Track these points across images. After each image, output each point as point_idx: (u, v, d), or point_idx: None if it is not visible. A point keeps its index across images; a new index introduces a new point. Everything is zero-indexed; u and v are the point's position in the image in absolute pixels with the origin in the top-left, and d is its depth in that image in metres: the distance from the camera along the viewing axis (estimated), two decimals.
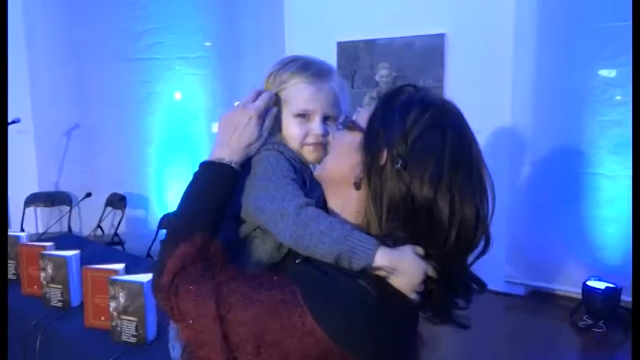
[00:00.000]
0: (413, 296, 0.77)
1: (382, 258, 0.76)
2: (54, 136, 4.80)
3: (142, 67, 4.80)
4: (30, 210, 4.60)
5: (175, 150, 4.86)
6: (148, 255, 4.02)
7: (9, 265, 2.30)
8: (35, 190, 4.66)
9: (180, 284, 0.80)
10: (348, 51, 4.63)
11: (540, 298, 4.02)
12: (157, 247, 4.09)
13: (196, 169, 0.93)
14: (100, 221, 4.25)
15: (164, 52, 4.79)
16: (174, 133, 4.87)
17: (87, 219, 4.74)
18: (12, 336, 1.99)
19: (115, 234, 4.44)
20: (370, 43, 4.53)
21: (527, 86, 3.89)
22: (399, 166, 0.76)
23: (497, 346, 3.39)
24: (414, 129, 0.78)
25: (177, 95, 4.95)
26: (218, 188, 0.89)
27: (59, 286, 2.02)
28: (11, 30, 4.28)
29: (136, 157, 4.86)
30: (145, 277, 1.71)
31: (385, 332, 0.76)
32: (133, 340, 1.71)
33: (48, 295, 2.03)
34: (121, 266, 1.87)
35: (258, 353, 0.73)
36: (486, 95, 3.98)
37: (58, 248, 2.19)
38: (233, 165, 0.90)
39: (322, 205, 0.91)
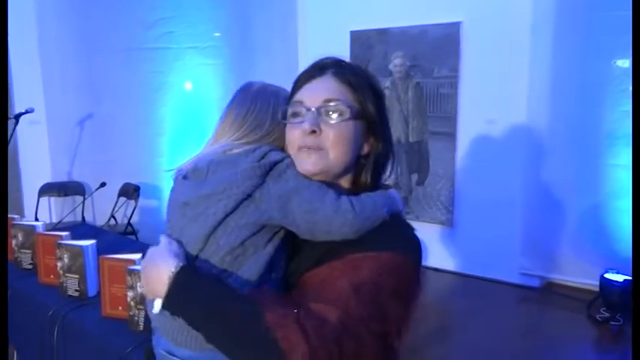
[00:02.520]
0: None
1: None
2: (67, 126, 4.81)
3: (154, 56, 4.78)
4: (44, 200, 4.62)
5: (187, 140, 4.84)
6: None
7: (26, 254, 2.30)
8: (48, 180, 4.68)
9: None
10: (362, 40, 4.57)
11: (556, 291, 3.98)
12: None
13: None
14: (114, 211, 4.26)
15: (175, 42, 4.77)
16: (187, 123, 4.86)
17: (100, 209, 4.75)
18: (29, 325, 2.00)
19: (129, 223, 4.45)
20: (384, 32, 4.47)
21: (544, 76, 3.83)
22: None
23: (511, 339, 3.36)
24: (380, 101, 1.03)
25: (189, 85, 4.94)
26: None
27: (76, 276, 2.01)
28: (23, 20, 4.29)
29: (149, 147, 4.86)
30: None
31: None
32: None
33: (65, 285, 2.03)
34: (138, 256, 1.85)
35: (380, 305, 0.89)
36: (502, 85, 3.93)
37: (73, 238, 2.19)
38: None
39: None
